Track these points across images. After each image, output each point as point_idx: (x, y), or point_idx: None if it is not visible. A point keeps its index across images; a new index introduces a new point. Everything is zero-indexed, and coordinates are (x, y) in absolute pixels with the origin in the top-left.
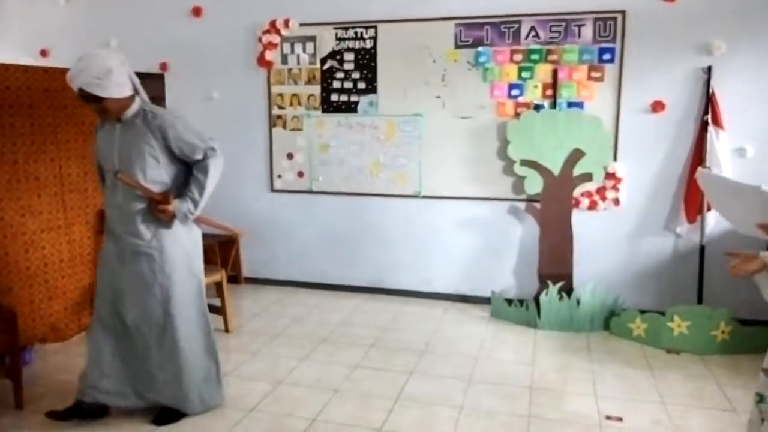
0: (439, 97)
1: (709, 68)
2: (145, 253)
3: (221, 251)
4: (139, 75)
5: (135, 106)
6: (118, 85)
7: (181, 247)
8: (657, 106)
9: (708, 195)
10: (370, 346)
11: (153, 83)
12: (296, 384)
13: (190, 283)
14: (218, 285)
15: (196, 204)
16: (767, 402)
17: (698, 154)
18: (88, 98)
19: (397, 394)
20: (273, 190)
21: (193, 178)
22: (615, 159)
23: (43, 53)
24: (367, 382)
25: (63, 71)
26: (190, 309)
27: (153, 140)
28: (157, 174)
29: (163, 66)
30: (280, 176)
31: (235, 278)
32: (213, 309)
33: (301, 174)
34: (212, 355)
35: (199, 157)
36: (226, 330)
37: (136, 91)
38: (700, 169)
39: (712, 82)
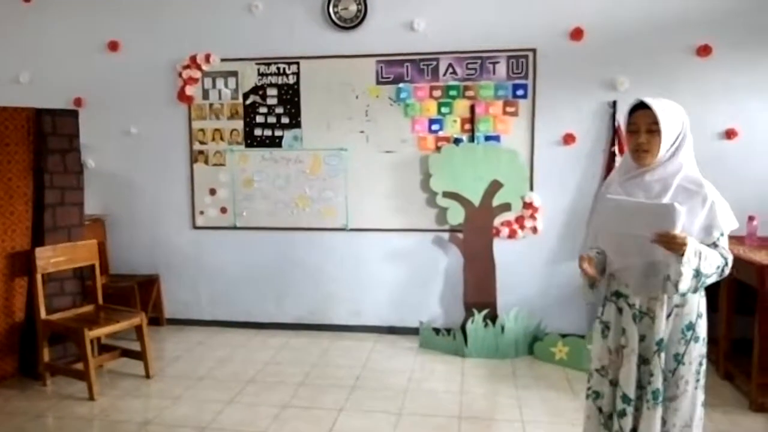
0: (362, 131)
1: (614, 102)
2: None
3: (141, 292)
4: (51, 111)
5: None
6: None
7: None
8: (568, 139)
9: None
10: (299, 384)
11: (66, 119)
12: (222, 429)
13: None
14: (138, 328)
15: None
16: (603, 396)
17: None
18: None
19: None
20: (195, 227)
21: None
22: (531, 189)
23: None
24: (296, 422)
25: None
26: None
27: None
28: None
29: (78, 101)
30: (202, 212)
31: (156, 320)
32: (133, 354)
33: (224, 210)
34: None
35: None
36: (147, 375)
37: None
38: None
39: (618, 116)
